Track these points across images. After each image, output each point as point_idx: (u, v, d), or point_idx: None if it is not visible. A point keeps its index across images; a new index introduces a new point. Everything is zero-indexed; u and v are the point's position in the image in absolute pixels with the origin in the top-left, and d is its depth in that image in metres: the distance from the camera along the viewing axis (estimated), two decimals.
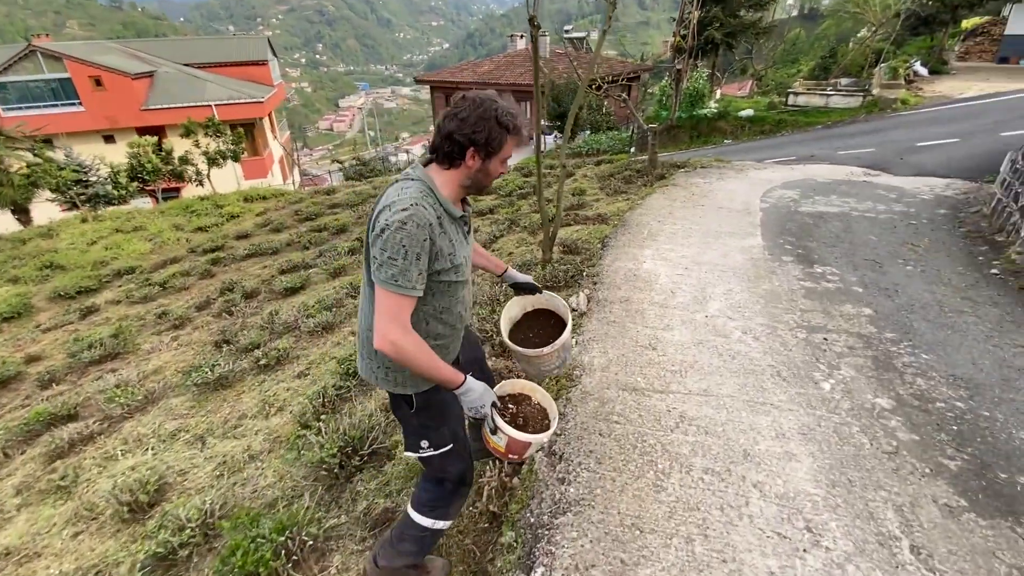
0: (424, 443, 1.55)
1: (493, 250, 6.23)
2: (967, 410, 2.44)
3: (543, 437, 1.56)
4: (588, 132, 19.32)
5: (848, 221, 5.69)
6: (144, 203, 15.40)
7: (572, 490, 1.89)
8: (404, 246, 1.29)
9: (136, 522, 2.57)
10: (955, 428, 2.31)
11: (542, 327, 2.06)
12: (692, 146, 16.28)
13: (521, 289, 2.02)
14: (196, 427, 3.43)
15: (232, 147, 14.67)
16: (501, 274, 1.98)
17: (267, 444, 3.06)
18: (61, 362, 5.11)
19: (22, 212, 13.05)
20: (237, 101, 20.34)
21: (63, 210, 13.26)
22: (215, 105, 19.45)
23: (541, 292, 2.02)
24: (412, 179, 1.42)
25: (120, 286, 7.82)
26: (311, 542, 1.98)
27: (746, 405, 2.43)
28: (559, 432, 2.22)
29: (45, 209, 13.77)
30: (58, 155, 13.28)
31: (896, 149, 10.28)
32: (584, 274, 4.29)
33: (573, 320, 3.47)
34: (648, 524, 1.75)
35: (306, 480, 2.57)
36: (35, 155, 12.39)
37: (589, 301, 3.62)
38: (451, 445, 1.58)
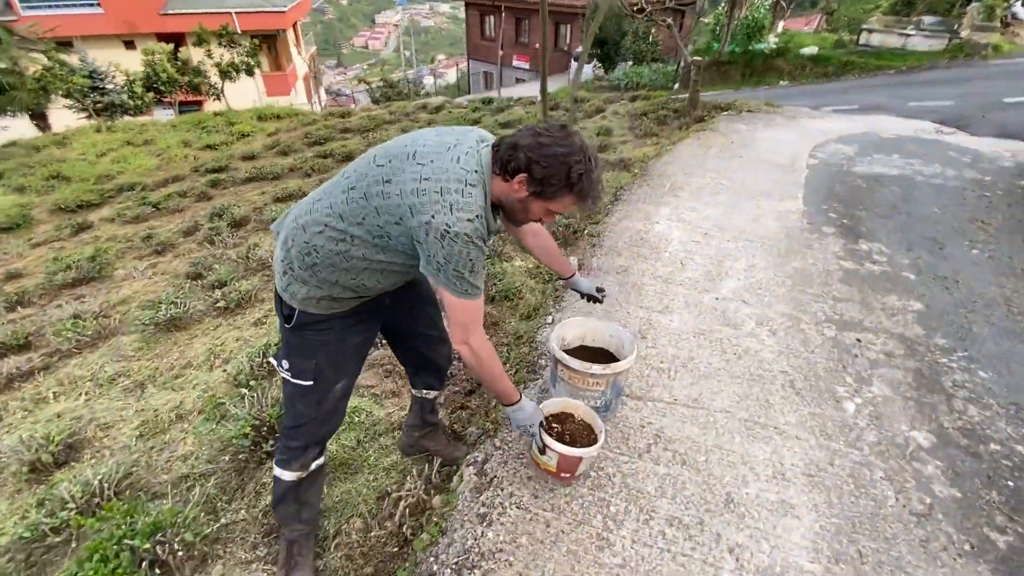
0: (285, 363, 1.44)
1: None
2: None
3: (592, 451, 1.56)
4: (630, 63, 17.72)
5: (909, 187, 4.86)
6: (167, 114, 14.99)
7: (491, 534, 1.47)
8: (471, 259, 1.21)
9: (40, 483, 2.32)
10: (1011, 484, 1.79)
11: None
12: (743, 85, 14.73)
13: (585, 298, 1.93)
14: (138, 372, 3.15)
15: (247, 60, 13.91)
16: (568, 278, 1.89)
17: (200, 402, 2.75)
18: (38, 282, 4.92)
19: (39, 118, 12.84)
20: (258, 9, 19.21)
21: (85, 117, 12.98)
22: (235, 12, 18.40)
23: (601, 302, 1.94)
24: (477, 177, 1.22)
25: (120, 203, 7.59)
26: (181, 552, 1.65)
27: (742, 426, 1.94)
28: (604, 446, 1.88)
29: (63, 116, 13.52)
30: (73, 59, 12.82)
31: (979, 104, 8.93)
32: (586, 233, 3.72)
33: (558, 293, 2.96)
34: None
35: (223, 455, 2.25)
36: (48, 58, 11.95)
37: (580, 269, 3.08)
38: (311, 383, 1.44)
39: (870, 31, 15.70)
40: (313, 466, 1.60)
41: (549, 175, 1.20)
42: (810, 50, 15.25)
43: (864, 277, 3.18)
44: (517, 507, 1.55)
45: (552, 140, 1.21)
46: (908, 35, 14.96)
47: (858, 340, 2.53)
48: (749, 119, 7.57)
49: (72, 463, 2.43)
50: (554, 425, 1.68)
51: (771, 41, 15.75)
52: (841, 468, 1.78)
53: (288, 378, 1.46)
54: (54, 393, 3.02)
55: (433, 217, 1.16)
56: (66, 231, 6.50)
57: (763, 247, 3.51)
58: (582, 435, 1.68)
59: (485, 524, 1.50)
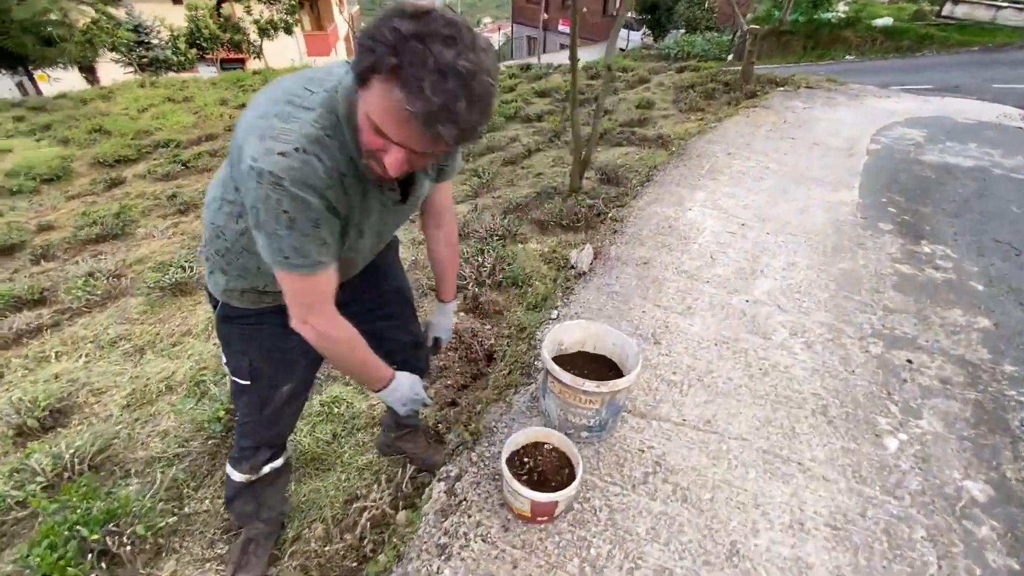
0: (224, 356, 1.31)
1: (523, 167, 5.36)
2: None
3: (570, 491, 1.36)
4: (682, 31, 16.68)
5: (986, 181, 4.31)
6: (210, 72, 15.12)
7: (448, 571, 1.29)
8: (286, 212, 0.85)
9: (23, 448, 2.30)
10: None
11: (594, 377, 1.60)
12: (804, 59, 13.66)
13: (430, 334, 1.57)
14: (140, 337, 3.10)
15: (285, 18, 13.76)
16: (440, 300, 1.53)
17: (191, 373, 2.67)
18: (65, 236, 4.99)
19: (88, 71, 13.12)
20: None
21: (131, 72, 13.22)
22: None
23: (433, 353, 1.61)
24: (319, 99, 0.87)
25: (154, 159, 7.68)
26: (130, 547, 1.54)
27: (760, 458, 1.68)
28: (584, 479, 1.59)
29: (111, 70, 13.79)
30: (120, 13, 12.97)
31: None
32: (609, 217, 3.42)
33: (569, 284, 2.71)
34: None
35: (196, 438, 2.15)
36: (96, 11, 12.12)
37: (595, 258, 2.81)
38: (248, 383, 1.29)
39: (955, 2, 14.20)
40: (265, 469, 1.46)
41: (368, 37, 0.76)
42: (884, 21, 13.93)
43: (923, 285, 2.79)
44: (483, 540, 1.36)
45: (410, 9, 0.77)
46: (999, 7, 13.45)
47: (909, 361, 2.20)
48: (807, 96, 6.94)
49: (59, 428, 2.39)
50: (525, 460, 1.48)
51: (840, 10, 14.47)
52: (874, 521, 1.51)
53: (227, 373, 1.34)
54: (56, 353, 3.01)
55: (248, 155, 0.84)
56: (100, 185, 6.60)
57: (807, 243, 3.14)
58: (554, 467, 1.49)
59: (443, 558, 1.32)
